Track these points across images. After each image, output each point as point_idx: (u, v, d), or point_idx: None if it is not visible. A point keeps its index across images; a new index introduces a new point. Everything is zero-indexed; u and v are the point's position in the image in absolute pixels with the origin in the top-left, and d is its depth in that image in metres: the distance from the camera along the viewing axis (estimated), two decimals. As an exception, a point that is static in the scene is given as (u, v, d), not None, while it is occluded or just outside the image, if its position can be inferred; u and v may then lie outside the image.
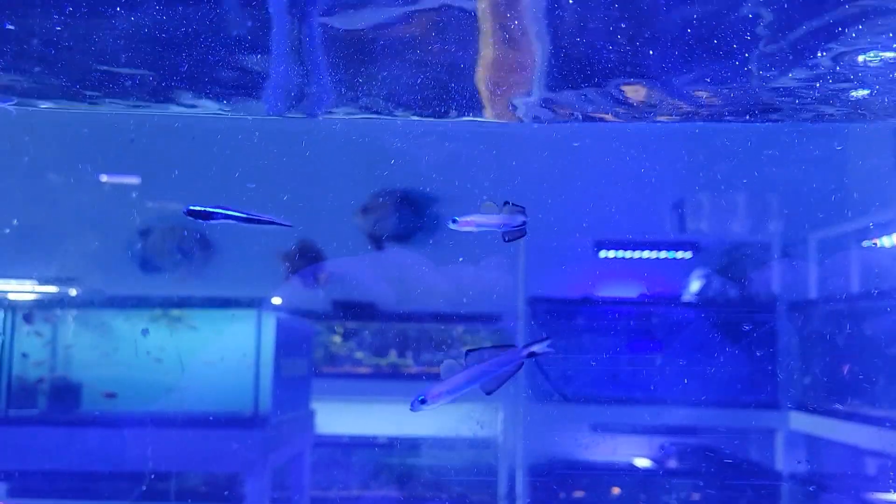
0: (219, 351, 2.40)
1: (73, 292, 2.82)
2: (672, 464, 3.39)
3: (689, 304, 3.38)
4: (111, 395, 2.32)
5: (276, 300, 2.52)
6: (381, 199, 3.36)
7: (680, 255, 3.46)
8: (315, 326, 3.28)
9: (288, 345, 2.55)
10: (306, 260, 3.22)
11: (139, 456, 2.33)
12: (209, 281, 3.30)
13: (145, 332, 2.31)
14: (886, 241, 3.03)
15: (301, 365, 2.87)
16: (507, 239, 1.83)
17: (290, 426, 2.68)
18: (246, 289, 2.95)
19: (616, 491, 3.20)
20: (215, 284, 3.05)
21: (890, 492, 2.99)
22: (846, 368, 2.98)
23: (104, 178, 3.15)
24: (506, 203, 1.85)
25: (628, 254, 3.47)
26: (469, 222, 1.80)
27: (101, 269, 3.07)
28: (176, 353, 2.41)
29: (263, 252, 3.17)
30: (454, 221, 1.81)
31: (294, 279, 3.17)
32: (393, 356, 3.46)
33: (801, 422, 3.17)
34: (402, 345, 3.47)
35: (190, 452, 2.40)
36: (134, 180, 3.18)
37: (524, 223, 1.83)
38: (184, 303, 2.47)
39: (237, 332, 2.42)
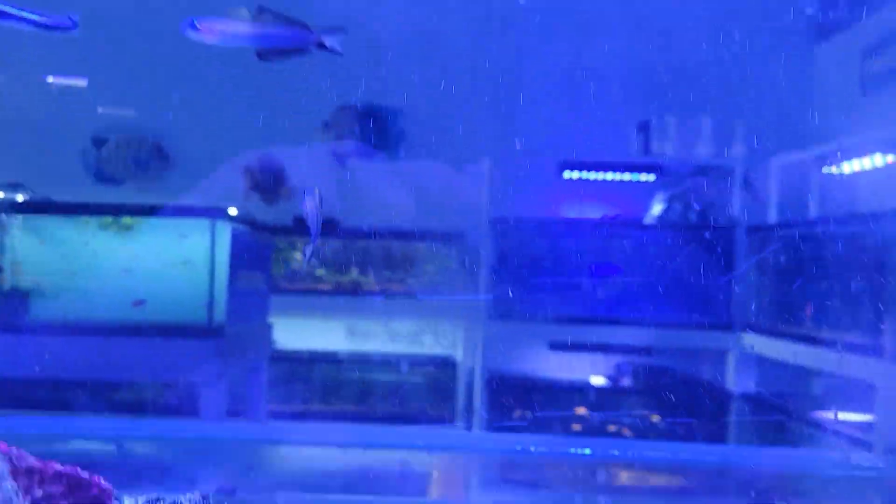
0: (171, 261, 2.35)
1: (20, 198, 2.74)
2: (627, 382, 3.46)
3: (650, 227, 3.40)
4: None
5: (232, 211, 2.47)
6: (343, 114, 3.29)
7: (644, 177, 3.45)
8: (273, 241, 3.24)
9: (244, 257, 2.51)
10: (266, 174, 3.15)
11: (87, 365, 2.30)
12: (165, 193, 3.23)
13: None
14: (846, 167, 3.05)
15: (258, 278, 2.84)
16: (261, 57, 1.39)
17: (246, 338, 2.66)
18: (203, 201, 2.89)
19: (581, 410, 3.26)
20: (171, 197, 2.98)
21: (834, 410, 3.09)
22: (799, 289, 3.03)
23: (51, 79, 3.04)
24: (261, 10, 1.36)
25: (592, 175, 3.46)
26: (213, 30, 1.34)
27: (50, 176, 2.98)
28: (127, 263, 2.36)
29: (223, 165, 3.10)
30: (193, 27, 1.33)
31: (253, 193, 3.11)
32: (354, 273, 3.44)
33: (753, 343, 3.23)
34: (363, 262, 3.45)
35: (144, 362, 2.37)
36: (84, 83, 3.07)
37: (300, 41, 1.38)
38: (135, 211, 2.40)
39: (190, 242, 2.37)
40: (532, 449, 1.87)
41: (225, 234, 2.43)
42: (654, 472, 1.85)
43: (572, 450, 1.87)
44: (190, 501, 1.32)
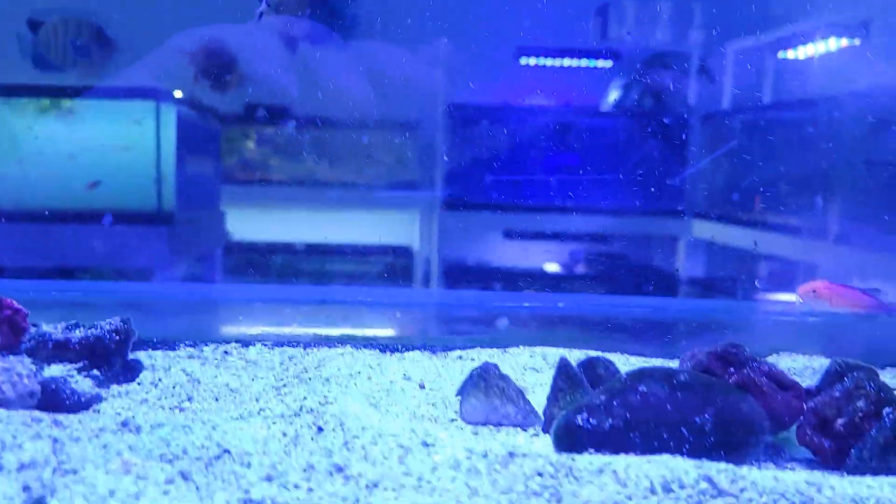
0: (117, 145, 2.27)
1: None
2: (581, 269, 3.53)
3: (606, 114, 3.39)
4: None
5: (178, 93, 2.38)
6: (293, -3, 3.16)
7: (601, 63, 3.42)
8: (223, 128, 3.16)
9: (192, 141, 2.44)
10: (216, 59, 3.04)
11: (32, 252, 2.26)
12: (107, 78, 3.10)
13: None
14: (801, 53, 3.05)
15: (208, 164, 2.78)
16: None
17: (198, 226, 2.63)
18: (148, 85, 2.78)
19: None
20: (114, 80, 2.87)
21: (780, 292, 3.20)
22: (750, 176, 3.08)
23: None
24: None
25: (549, 61, 3.41)
26: None
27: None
28: (71, 148, 2.28)
29: (169, 50, 2.97)
30: None
31: (203, 79, 3.00)
32: (309, 164, 3.39)
33: (703, 229, 3.30)
34: (318, 152, 3.39)
35: (92, 249, 2.33)
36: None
37: None
38: (76, 93, 2.30)
39: (134, 125, 2.29)
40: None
41: (171, 117, 2.36)
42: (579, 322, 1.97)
43: (526, 304, 1.98)
44: (109, 324, 1.33)
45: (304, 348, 1.60)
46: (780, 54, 3.13)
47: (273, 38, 3.07)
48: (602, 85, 3.41)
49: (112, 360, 1.37)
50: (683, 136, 3.28)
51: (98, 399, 1.29)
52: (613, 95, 3.38)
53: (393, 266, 3.44)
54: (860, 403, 1.08)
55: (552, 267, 3.49)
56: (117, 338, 1.36)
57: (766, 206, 3.12)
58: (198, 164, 2.61)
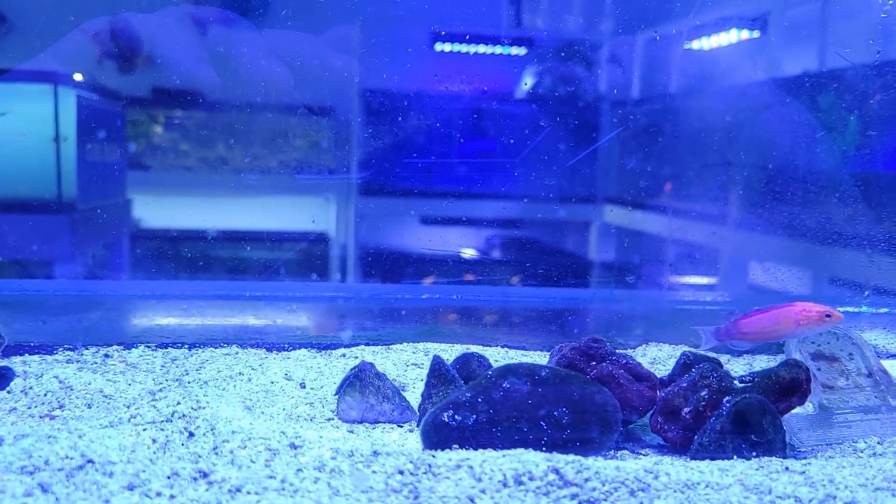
0: (11, 129, 2.19)
1: None
2: (496, 253, 3.57)
3: (520, 100, 3.42)
4: None
5: (78, 77, 2.30)
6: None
7: (515, 51, 3.44)
8: (128, 112, 3.07)
9: (94, 127, 2.36)
10: (120, 39, 2.94)
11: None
12: (3, 59, 2.98)
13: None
14: (706, 43, 3.13)
15: (112, 150, 2.70)
16: None
17: (102, 215, 2.56)
18: (46, 64, 2.68)
19: (469, 277, 3.34)
20: (9, 63, 2.75)
21: (684, 276, 3.31)
22: (657, 162, 3.16)
23: None
24: None
25: (464, 48, 3.42)
26: None
27: None
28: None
29: (70, 29, 2.87)
30: None
31: (105, 60, 2.91)
32: (221, 149, 3.33)
33: (613, 215, 3.38)
34: (229, 137, 3.33)
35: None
36: None
37: None
38: None
39: (30, 110, 2.20)
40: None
41: (70, 101, 2.28)
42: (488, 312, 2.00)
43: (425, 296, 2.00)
44: None
45: (189, 349, 1.59)
46: (686, 44, 3.21)
47: (182, 22, 2.99)
48: (516, 72, 3.44)
49: (-22, 370, 1.33)
50: (596, 123, 3.34)
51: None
52: (527, 82, 3.41)
53: (307, 253, 3.42)
54: (703, 393, 1.13)
55: (466, 252, 3.53)
56: (-16, 345, 1.32)
57: (672, 193, 3.21)
58: (100, 150, 2.54)
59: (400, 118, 3.36)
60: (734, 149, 2.94)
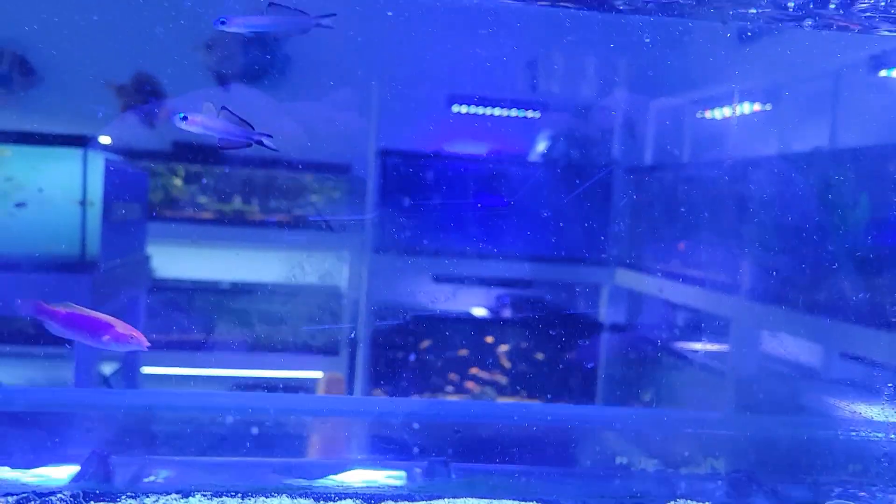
0: (41, 192, 2.22)
1: None
2: (507, 313, 3.60)
3: (534, 163, 3.48)
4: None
5: (105, 140, 2.35)
6: (228, 36, 3.15)
7: (530, 114, 3.51)
8: (151, 168, 3.12)
9: (119, 188, 2.40)
10: (143, 95, 3.00)
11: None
12: (30, 112, 3.03)
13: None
14: (717, 113, 3.20)
15: (134, 209, 2.74)
16: (221, 147, 1.74)
17: (122, 270, 2.59)
18: (74, 123, 2.73)
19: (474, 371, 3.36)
20: (37, 116, 2.80)
21: (695, 342, 3.34)
22: (669, 229, 3.20)
23: None
24: (223, 108, 1.76)
25: (480, 110, 3.49)
26: (198, 122, 1.71)
27: None
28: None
29: (94, 83, 2.93)
30: (184, 119, 1.71)
31: (129, 115, 2.96)
32: (238, 202, 3.37)
33: (624, 278, 3.42)
34: (247, 191, 3.38)
35: (14, 296, 2.26)
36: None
37: (250, 139, 1.75)
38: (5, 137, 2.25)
39: (62, 173, 2.24)
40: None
41: (98, 165, 2.33)
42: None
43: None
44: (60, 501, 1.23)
45: (242, 499, 1.45)
46: (699, 114, 3.28)
47: (203, 76, 3.05)
48: (531, 135, 3.50)
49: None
50: (608, 188, 3.40)
51: None
52: (542, 145, 3.47)
53: (321, 308, 3.44)
54: None
55: (479, 311, 3.55)
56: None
57: (683, 259, 3.25)
58: (124, 209, 2.58)
59: (415, 177, 3.41)
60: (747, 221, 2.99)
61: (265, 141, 1.79)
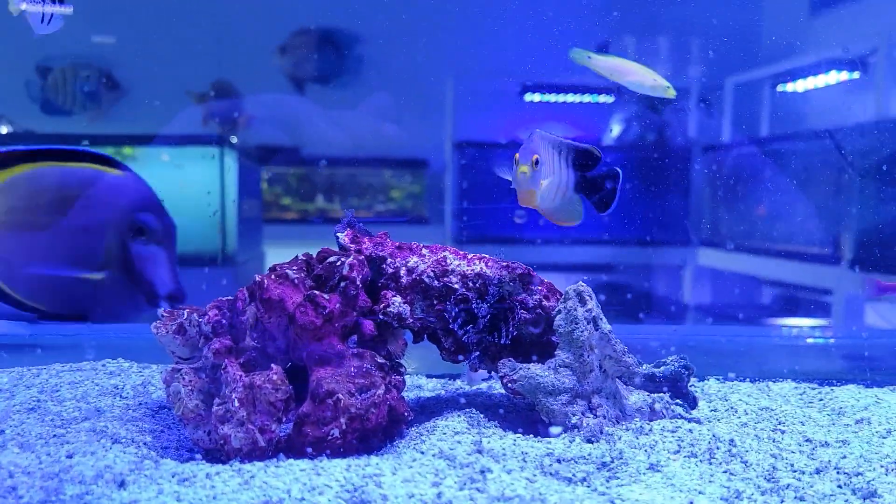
0: (182, 190, 2.29)
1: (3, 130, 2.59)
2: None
3: (609, 147, 3.47)
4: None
5: (234, 139, 2.41)
6: (301, 38, 3.20)
7: (602, 99, 3.50)
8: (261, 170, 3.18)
9: (247, 185, 2.47)
10: (224, 102, 3.07)
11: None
12: (119, 123, 3.12)
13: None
14: (799, 86, 3.16)
15: (256, 206, 2.81)
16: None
17: (251, 265, 2.65)
18: (164, 130, 2.81)
19: None
20: (128, 126, 2.89)
21: (783, 317, 3.29)
22: (760, 209, 3.17)
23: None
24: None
25: (553, 97, 3.49)
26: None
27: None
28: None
29: (176, 92, 3.01)
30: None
31: (211, 121, 3.03)
32: (320, 201, 3.42)
33: (708, 257, 3.39)
34: (328, 190, 3.43)
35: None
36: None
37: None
38: (136, 140, 2.32)
39: (200, 171, 2.31)
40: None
41: (232, 162, 2.40)
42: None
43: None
44: None
45: None
46: (780, 87, 3.24)
47: (279, 80, 3.12)
48: (604, 120, 3.50)
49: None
50: (686, 168, 3.37)
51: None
52: (616, 129, 3.47)
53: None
54: None
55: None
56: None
57: (768, 235, 3.21)
58: (250, 206, 2.65)
59: (489, 167, 3.42)
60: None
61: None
